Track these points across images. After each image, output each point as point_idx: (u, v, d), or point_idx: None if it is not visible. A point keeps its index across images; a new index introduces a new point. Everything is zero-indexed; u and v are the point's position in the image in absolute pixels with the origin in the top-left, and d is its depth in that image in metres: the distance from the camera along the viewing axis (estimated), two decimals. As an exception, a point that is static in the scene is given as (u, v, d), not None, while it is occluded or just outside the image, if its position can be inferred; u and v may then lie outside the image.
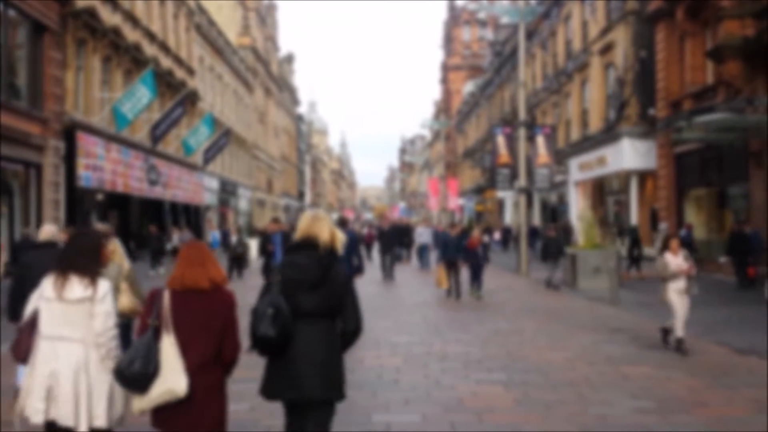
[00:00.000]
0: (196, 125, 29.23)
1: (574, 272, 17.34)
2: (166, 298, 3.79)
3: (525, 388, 7.33)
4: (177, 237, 22.06)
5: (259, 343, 3.84)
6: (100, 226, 9.85)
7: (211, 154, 32.30)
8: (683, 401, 6.84)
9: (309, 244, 4.06)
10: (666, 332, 9.48)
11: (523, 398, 6.97)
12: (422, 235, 24.36)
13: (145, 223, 25.83)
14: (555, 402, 6.81)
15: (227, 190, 43.13)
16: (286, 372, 3.91)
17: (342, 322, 4.05)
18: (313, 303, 3.93)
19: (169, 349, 3.68)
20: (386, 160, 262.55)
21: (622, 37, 25.67)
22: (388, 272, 20.00)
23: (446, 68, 77.14)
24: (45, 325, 3.95)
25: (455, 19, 73.73)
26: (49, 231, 6.94)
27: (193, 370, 3.69)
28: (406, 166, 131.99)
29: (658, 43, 23.22)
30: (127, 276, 6.27)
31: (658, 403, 6.73)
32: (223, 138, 33.23)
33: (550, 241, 17.93)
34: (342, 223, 12.86)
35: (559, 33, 34.08)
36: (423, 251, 24.15)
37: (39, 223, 18.21)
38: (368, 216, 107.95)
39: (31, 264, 6.31)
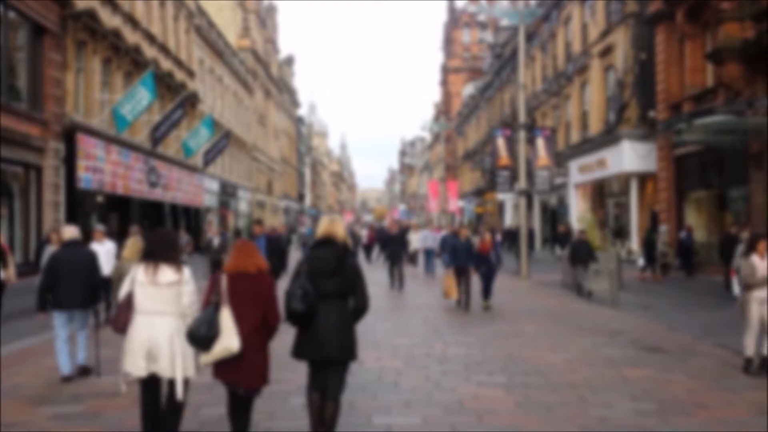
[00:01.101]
0: (196, 127, 29.23)
1: (574, 275, 17.32)
2: (224, 280, 5.04)
3: (526, 390, 7.33)
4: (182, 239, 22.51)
5: (292, 316, 5.03)
6: (99, 227, 9.97)
7: (211, 156, 32.30)
8: (684, 403, 6.84)
9: (328, 241, 5.27)
10: (749, 362, 8.10)
11: (523, 400, 6.97)
12: (428, 239, 22.97)
13: (146, 226, 25.84)
14: (555, 404, 6.81)
15: (227, 192, 43.14)
16: (311, 338, 5.08)
17: (353, 301, 5.25)
18: (331, 286, 5.12)
19: (226, 318, 4.89)
20: (386, 162, 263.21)
21: (621, 39, 25.70)
22: (397, 284, 17.81)
23: (446, 70, 77.22)
24: (141, 304, 5.04)
25: (455, 21, 73.83)
26: (72, 231, 8.03)
27: (244, 334, 4.90)
28: (406, 168, 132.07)
29: (657, 46, 23.24)
30: None
31: (658, 405, 6.74)
32: (223, 140, 33.23)
33: (581, 244, 16.50)
34: None
35: (559, 35, 34.11)
36: (429, 257, 22.61)
37: (39, 225, 18.22)
38: (368, 218, 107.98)
39: (60, 259, 7.62)
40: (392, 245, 18.72)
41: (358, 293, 5.24)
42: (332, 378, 5.16)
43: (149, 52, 26.97)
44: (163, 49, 29.18)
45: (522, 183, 23.46)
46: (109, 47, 23.26)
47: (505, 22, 47.31)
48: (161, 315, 5.02)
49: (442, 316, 13.16)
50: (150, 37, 27.41)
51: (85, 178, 20.44)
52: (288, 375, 8.14)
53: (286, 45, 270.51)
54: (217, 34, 41.07)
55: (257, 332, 5.00)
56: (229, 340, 4.85)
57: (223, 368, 4.96)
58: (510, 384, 7.63)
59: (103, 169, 21.81)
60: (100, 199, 22.95)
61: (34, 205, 18.46)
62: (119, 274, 8.10)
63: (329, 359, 5.11)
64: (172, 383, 5.05)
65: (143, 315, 5.02)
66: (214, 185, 39.28)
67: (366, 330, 8.96)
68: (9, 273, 11.75)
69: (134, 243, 8.56)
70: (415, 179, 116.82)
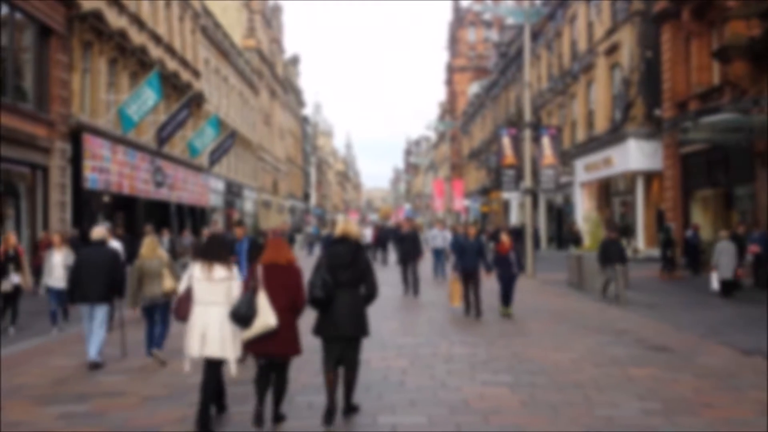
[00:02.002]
0: (202, 127, 29.27)
1: (580, 273, 17.29)
2: (260, 270, 6.09)
3: (531, 390, 7.32)
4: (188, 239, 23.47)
5: (314, 302, 6.12)
6: (98, 227, 10.10)
7: (216, 155, 32.35)
8: (689, 402, 6.82)
9: (345, 238, 6.36)
10: None
11: (529, 400, 6.96)
12: (436, 238, 21.35)
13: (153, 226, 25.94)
14: (561, 403, 6.80)
15: (233, 191, 43.20)
16: (330, 319, 6.15)
17: (364, 289, 6.29)
18: (347, 277, 6.20)
19: (262, 300, 5.91)
20: (391, 162, 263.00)
21: (627, 37, 25.63)
22: (412, 288, 16.33)
23: (451, 69, 77.12)
24: (198, 296, 6.10)
25: (460, 20, 73.73)
26: (100, 232, 9.17)
27: (278, 313, 5.91)
28: (412, 168, 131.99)
29: (663, 44, 23.16)
30: (167, 264, 8.83)
31: (664, 405, 6.72)
32: (229, 140, 33.27)
33: (611, 244, 15.11)
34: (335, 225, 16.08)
35: (565, 34, 34.03)
36: (438, 257, 21.02)
37: (45, 225, 18.29)
38: (373, 217, 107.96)
39: (85, 257, 8.65)
40: (405, 245, 17.18)
41: (368, 282, 6.31)
42: (349, 352, 6.27)
43: (155, 52, 27.03)
44: (169, 49, 29.24)
45: (527, 182, 23.42)
46: (115, 48, 23.32)
47: (510, 20, 47.18)
48: (214, 305, 6.05)
49: (447, 315, 13.13)
50: (156, 38, 27.47)
51: (91, 178, 20.50)
52: (293, 374, 8.15)
53: (291, 45, 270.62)
54: (222, 35, 41.12)
55: (288, 312, 6.01)
56: (267, 317, 5.87)
57: (261, 343, 5.94)
58: (515, 383, 7.62)
59: (110, 169, 21.87)
60: (106, 199, 23.02)
61: (41, 206, 18.53)
62: (140, 271, 8.73)
63: (345, 336, 6.19)
64: (215, 363, 6.09)
65: (200, 305, 6.09)
66: (219, 185, 39.34)
67: (371, 330, 8.96)
68: (25, 279, 11.60)
69: (150, 242, 9.10)
70: (420, 178, 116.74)
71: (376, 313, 9.00)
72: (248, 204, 48.65)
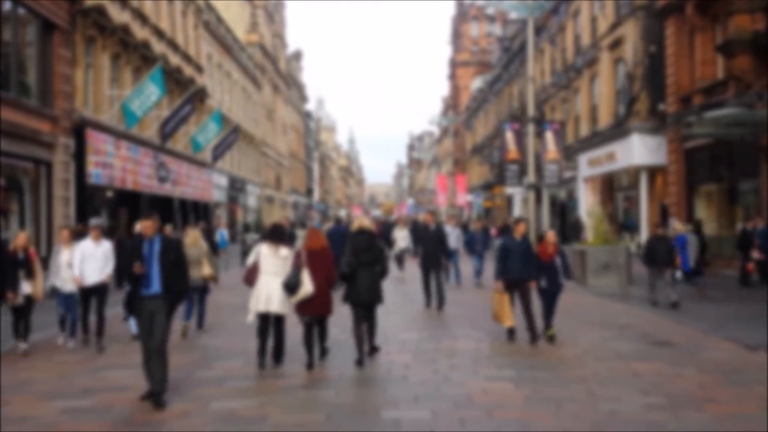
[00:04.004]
0: (205, 122, 29.29)
1: (583, 269, 17.27)
2: (303, 253, 8.35)
3: (535, 385, 7.32)
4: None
5: (342, 277, 8.43)
6: (95, 222, 10.05)
7: (219, 151, 32.36)
8: (693, 398, 6.82)
9: (363, 231, 8.71)
10: None
11: (532, 395, 6.96)
12: (450, 236, 16.73)
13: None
14: (565, 398, 6.80)
15: (236, 187, 43.23)
16: (354, 290, 8.46)
17: (379, 267, 8.57)
18: (366, 258, 8.46)
19: (305, 275, 8.10)
20: (394, 157, 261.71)
21: (631, 32, 25.55)
22: (435, 300, 13.18)
23: (454, 64, 76.95)
24: (265, 268, 8.24)
25: (463, 15, 73.52)
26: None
27: (317, 285, 8.13)
28: (415, 163, 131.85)
29: (667, 38, 23.08)
30: (205, 254, 10.73)
31: (668, 400, 6.71)
32: (232, 135, 33.27)
33: (658, 241, 13.28)
34: (337, 221, 19.33)
35: (568, 28, 33.93)
36: (452, 259, 16.92)
37: (49, 220, 18.32)
38: (376, 212, 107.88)
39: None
40: (427, 247, 13.52)
41: (382, 263, 8.63)
42: (369, 315, 8.66)
43: (158, 47, 27.02)
44: (172, 44, 29.22)
45: (531, 177, 23.37)
46: (118, 43, 23.32)
47: (513, 15, 47.06)
48: (275, 275, 8.20)
49: (451, 311, 13.12)
50: (159, 33, 27.46)
51: (94, 173, 20.52)
52: (298, 369, 8.16)
53: (294, 40, 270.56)
54: (225, 30, 41.09)
55: (324, 284, 8.28)
56: (307, 287, 8.08)
57: (306, 305, 8.21)
58: (519, 378, 7.62)
59: (113, 164, 21.89)
60: (109, 194, 23.05)
61: (45, 201, 18.56)
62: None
63: (365, 303, 8.48)
64: (277, 318, 8.40)
65: (266, 275, 8.21)
66: (222, 180, 39.37)
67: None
68: (37, 288, 9.75)
69: (193, 234, 10.90)
70: (423, 174, 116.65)
71: (378, 310, 9.01)
72: (251, 199, 48.69)
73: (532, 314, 9.67)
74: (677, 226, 15.65)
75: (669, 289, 13.02)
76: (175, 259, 6.96)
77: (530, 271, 9.78)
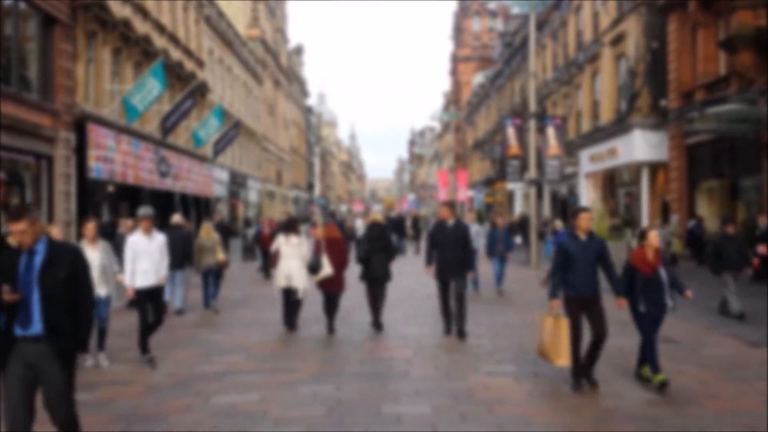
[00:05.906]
0: (206, 117, 29.25)
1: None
2: (323, 242, 10.24)
3: (535, 380, 7.32)
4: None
5: (359, 260, 10.47)
6: (143, 210, 8.81)
7: (220, 146, 32.32)
8: (695, 394, 6.82)
9: (376, 223, 10.74)
10: None
11: (533, 390, 6.96)
12: (477, 235, 15.29)
13: (157, 215, 25.97)
14: (566, 394, 6.80)
15: (237, 182, 43.21)
16: (369, 270, 10.40)
17: (388, 252, 10.52)
18: (378, 246, 10.40)
19: (324, 259, 10.18)
20: (395, 152, 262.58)
21: (633, 27, 25.48)
22: (455, 325, 9.85)
23: (456, 60, 76.84)
24: (284, 253, 10.21)
25: (465, 10, 73.39)
26: (177, 218, 13.14)
27: (334, 266, 10.13)
28: (416, 158, 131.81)
29: (670, 34, 23.03)
30: (218, 243, 12.90)
31: (669, 396, 6.71)
32: (233, 130, 33.23)
33: (727, 241, 11.31)
34: (331, 215, 21.82)
35: (570, 24, 33.86)
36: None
37: (51, 214, 18.32)
38: (377, 208, 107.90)
39: (170, 238, 9.87)
40: (446, 252, 9.84)
41: (391, 249, 10.65)
42: (380, 289, 10.55)
43: (159, 42, 26.97)
44: (173, 39, 29.17)
45: (532, 172, 23.35)
46: (119, 37, 23.27)
47: (515, 10, 46.99)
48: (293, 258, 10.19)
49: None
50: (160, 27, 27.40)
51: (95, 167, 20.51)
52: (299, 364, 8.17)
53: (295, 34, 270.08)
54: (226, 24, 41.01)
55: (339, 267, 10.26)
56: (326, 269, 10.06)
57: (325, 284, 10.21)
58: (520, 374, 7.63)
59: (114, 159, 21.87)
60: (110, 188, 23.03)
61: (46, 195, 18.55)
62: (199, 247, 12.78)
63: (378, 278, 10.41)
64: (296, 291, 10.25)
65: (285, 259, 10.20)
66: (223, 175, 39.35)
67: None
68: None
69: (207, 226, 13.10)
70: (424, 169, 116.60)
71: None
72: (252, 194, 48.68)
73: (601, 349, 7.08)
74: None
75: (736, 296, 11.16)
76: (68, 276, 4.41)
77: (621, 288, 7.30)
